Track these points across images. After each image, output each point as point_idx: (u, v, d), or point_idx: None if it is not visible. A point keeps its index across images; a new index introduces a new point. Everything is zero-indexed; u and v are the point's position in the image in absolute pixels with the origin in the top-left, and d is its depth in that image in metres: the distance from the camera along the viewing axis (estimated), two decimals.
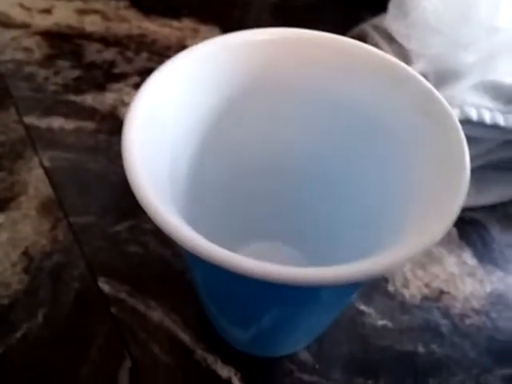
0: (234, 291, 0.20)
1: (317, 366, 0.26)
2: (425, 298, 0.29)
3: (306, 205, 0.26)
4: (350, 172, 0.23)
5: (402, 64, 0.19)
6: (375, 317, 0.28)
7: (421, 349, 0.27)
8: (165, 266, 0.30)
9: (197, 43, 0.46)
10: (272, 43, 0.21)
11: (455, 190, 0.16)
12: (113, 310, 0.28)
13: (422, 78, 0.19)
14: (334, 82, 0.21)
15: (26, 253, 0.30)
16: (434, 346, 0.27)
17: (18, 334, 0.26)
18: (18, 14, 0.48)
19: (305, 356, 0.27)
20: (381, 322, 0.28)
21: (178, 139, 0.20)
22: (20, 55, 0.44)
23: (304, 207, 0.26)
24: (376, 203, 0.21)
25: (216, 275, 0.18)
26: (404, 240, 0.16)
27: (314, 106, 0.22)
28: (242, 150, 0.24)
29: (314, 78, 0.21)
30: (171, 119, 0.19)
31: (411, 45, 0.32)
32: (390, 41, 0.34)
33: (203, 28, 0.49)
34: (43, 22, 0.48)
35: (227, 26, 0.48)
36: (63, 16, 0.49)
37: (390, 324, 0.28)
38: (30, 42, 0.45)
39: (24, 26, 0.47)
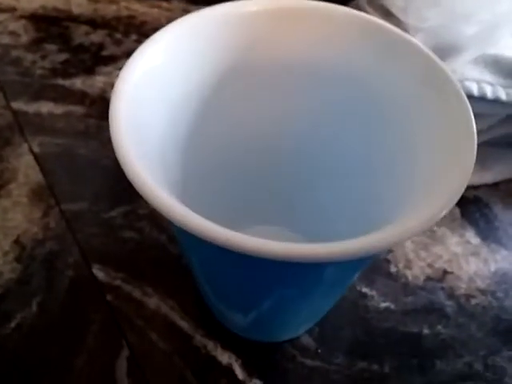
0: (233, 274, 0.19)
1: (319, 351, 0.26)
2: (428, 278, 0.28)
3: (306, 186, 0.25)
4: (350, 147, 0.22)
5: (400, 31, 0.18)
6: (378, 299, 0.27)
7: (426, 330, 0.26)
8: (161, 252, 0.29)
9: None
10: (263, 13, 0.19)
11: (461, 161, 0.16)
12: (108, 297, 0.27)
13: (422, 46, 0.18)
14: (329, 52, 0.20)
15: (17, 241, 0.29)
16: (439, 328, 0.26)
17: (12, 324, 0.26)
18: None
19: (307, 340, 0.26)
20: (383, 304, 0.27)
21: (168, 116, 0.19)
22: (6, 39, 0.42)
23: (304, 188, 0.25)
24: (378, 178, 0.20)
25: (215, 257, 0.18)
26: (410, 214, 0.15)
27: (311, 78, 0.21)
28: (235, 129, 0.23)
29: (309, 50, 0.20)
30: (161, 94, 0.18)
31: (408, 18, 0.31)
32: (386, 15, 0.33)
33: (193, 8, 0.47)
34: (29, 5, 0.46)
35: None
36: None
37: (393, 306, 0.27)
38: (16, 25, 0.44)
39: (10, 9, 0.46)
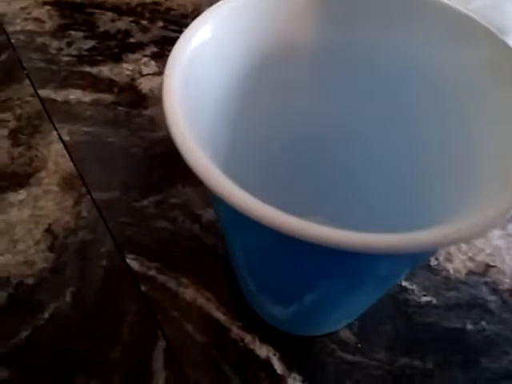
0: (282, 263, 0.18)
1: (359, 345, 0.25)
2: (470, 272, 0.28)
3: (349, 176, 0.24)
4: (407, 133, 0.21)
5: (469, 13, 0.17)
6: (418, 293, 0.27)
7: (469, 326, 0.26)
8: (195, 242, 0.28)
9: None
10: None
11: None
12: (143, 287, 0.26)
13: (493, 31, 0.17)
14: (387, 35, 0.19)
15: (49, 230, 0.28)
16: (483, 323, 0.26)
17: (46, 315, 0.25)
18: None
19: (346, 335, 0.25)
20: (425, 299, 0.27)
21: (215, 97, 0.18)
22: (30, 26, 0.42)
23: (347, 178, 0.24)
24: (434, 168, 0.19)
25: (268, 246, 0.17)
26: (476, 208, 0.15)
27: (367, 65, 0.20)
28: (280, 115, 0.23)
29: (367, 33, 0.19)
30: (209, 74, 0.18)
31: None
32: None
33: None
34: None
35: None
36: None
37: (434, 300, 0.26)
38: (40, 11, 0.43)
39: None
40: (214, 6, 0.19)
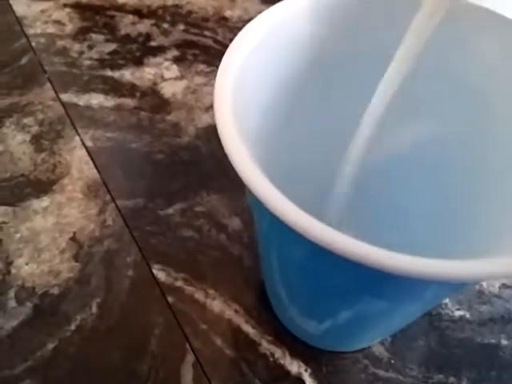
0: (320, 278, 0.18)
1: (392, 361, 0.24)
2: (504, 286, 0.27)
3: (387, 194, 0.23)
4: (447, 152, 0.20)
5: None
6: (452, 307, 0.26)
7: (504, 341, 0.25)
8: (221, 252, 0.28)
9: (235, 14, 0.43)
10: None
11: None
12: (170, 299, 0.26)
13: None
14: (435, 43, 0.18)
15: (74, 238, 0.28)
16: None
17: (72, 326, 0.25)
18: None
19: (379, 350, 0.25)
20: (458, 313, 0.26)
21: (266, 102, 0.18)
22: (51, 29, 0.41)
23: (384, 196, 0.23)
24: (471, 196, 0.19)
25: (305, 259, 0.16)
26: None
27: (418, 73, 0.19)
28: (329, 121, 0.22)
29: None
30: (262, 77, 0.17)
31: None
32: None
33: None
34: None
35: None
36: None
37: (468, 315, 0.26)
38: (60, 14, 0.43)
39: None
40: (261, 16, 0.19)
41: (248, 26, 0.17)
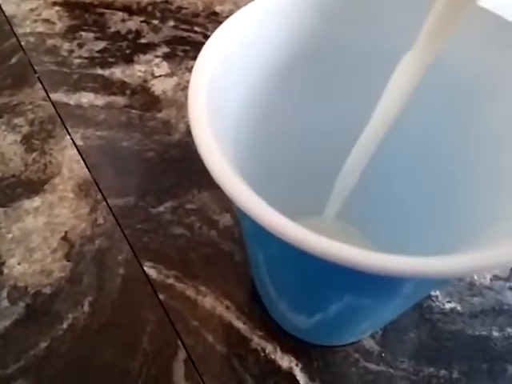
0: (307, 277, 0.18)
1: (383, 355, 0.24)
2: (495, 277, 0.27)
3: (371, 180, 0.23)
4: (437, 145, 0.20)
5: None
6: (442, 299, 0.26)
7: (495, 333, 0.25)
8: (212, 249, 0.28)
9: (225, 8, 0.43)
10: None
11: None
12: (161, 296, 0.26)
13: None
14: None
15: (65, 238, 0.28)
16: (509, 330, 0.25)
17: (64, 325, 0.25)
18: None
19: (369, 344, 0.25)
20: (449, 305, 0.26)
21: (244, 100, 0.18)
22: (41, 27, 0.41)
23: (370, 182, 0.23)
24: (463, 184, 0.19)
25: (293, 261, 0.16)
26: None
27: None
28: (312, 118, 0.22)
29: (396, 34, 0.18)
30: (238, 77, 0.17)
31: None
32: None
33: None
34: None
35: None
36: None
37: (459, 307, 0.26)
38: (49, 13, 0.43)
39: None
40: (240, 12, 0.19)
41: (227, 20, 0.17)
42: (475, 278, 0.27)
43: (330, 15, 0.18)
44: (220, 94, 0.16)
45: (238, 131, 0.18)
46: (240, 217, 0.18)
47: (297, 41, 0.19)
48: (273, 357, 0.24)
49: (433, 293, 0.26)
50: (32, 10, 0.43)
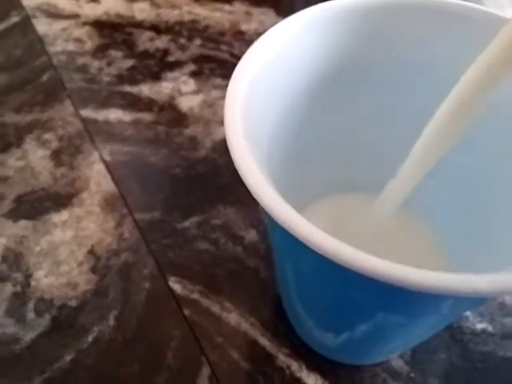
0: (337, 293, 0.18)
1: (412, 375, 0.24)
2: None
3: None
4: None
5: None
6: (473, 320, 0.25)
7: None
8: (237, 264, 0.28)
9: (251, 27, 0.44)
10: (379, 9, 0.18)
11: None
12: (186, 311, 0.26)
13: None
14: (453, 51, 0.18)
15: (92, 251, 0.28)
16: None
17: (90, 338, 0.25)
18: (67, 5, 0.47)
19: (398, 364, 0.24)
20: (480, 326, 0.25)
21: (278, 115, 0.18)
22: (71, 46, 0.42)
23: None
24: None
25: (322, 274, 0.16)
26: None
27: (428, 79, 0.19)
28: (350, 132, 0.22)
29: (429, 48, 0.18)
30: (272, 94, 0.17)
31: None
32: None
33: (256, 11, 0.46)
34: (92, 11, 0.46)
35: (281, 8, 0.46)
36: (112, 5, 0.47)
37: (490, 327, 0.25)
38: (80, 32, 0.44)
39: (73, 16, 0.46)
40: (277, 26, 0.19)
41: (257, 42, 0.17)
42: (506, 298, 0.26)
43: (363, 31, 0.18)
44: (255, 108, 0.16)
45: (271, 147, 0.18)
46: (271, 231, 0.18)
47: (332, 57, 0.19)
48: (298, 375, 0.24)
49: (464, 313, 0.26)
50: (63, 29, 0.44)
